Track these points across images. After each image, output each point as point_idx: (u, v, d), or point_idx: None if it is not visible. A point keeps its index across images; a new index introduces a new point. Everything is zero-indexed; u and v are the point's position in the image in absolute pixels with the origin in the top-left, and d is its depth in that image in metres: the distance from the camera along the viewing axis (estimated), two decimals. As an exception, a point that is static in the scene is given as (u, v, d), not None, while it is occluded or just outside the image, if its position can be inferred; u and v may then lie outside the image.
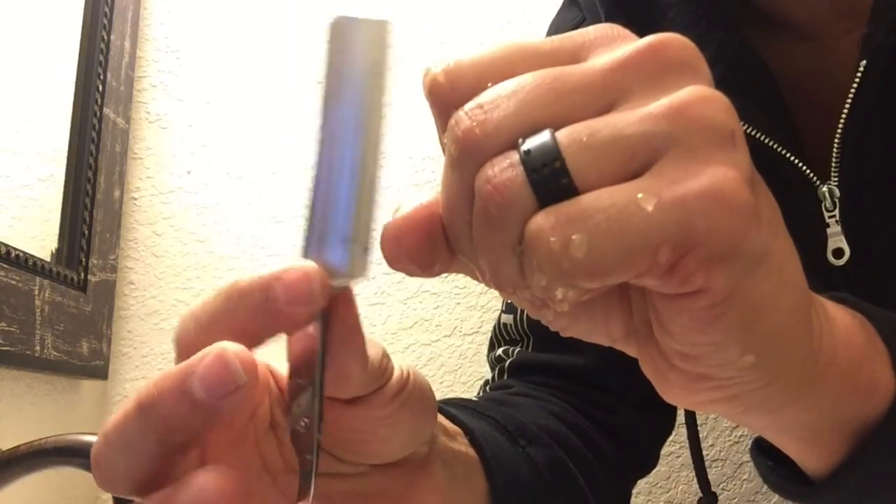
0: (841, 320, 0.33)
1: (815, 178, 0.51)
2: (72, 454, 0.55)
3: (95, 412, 1.00)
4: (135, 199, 1.06)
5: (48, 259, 0.87)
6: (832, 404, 0.32)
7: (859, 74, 0.48)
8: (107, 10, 0.97)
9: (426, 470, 0.38)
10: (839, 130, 0.49)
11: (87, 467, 0.55)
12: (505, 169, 0.24)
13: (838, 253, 0.50)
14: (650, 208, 0.23)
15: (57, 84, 0.93)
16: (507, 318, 0.64)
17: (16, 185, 0.85)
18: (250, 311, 0.28)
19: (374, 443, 0.34)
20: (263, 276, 0.29)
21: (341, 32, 0.28)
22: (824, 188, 0.50)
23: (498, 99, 0.25)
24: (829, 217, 0.50)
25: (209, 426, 0.27)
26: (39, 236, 0.88)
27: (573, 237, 0.23)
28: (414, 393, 0.34)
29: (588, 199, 0.23)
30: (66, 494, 0.92)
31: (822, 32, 0.52)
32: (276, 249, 1.04)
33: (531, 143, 0.24)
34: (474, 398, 0.59)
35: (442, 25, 1.08)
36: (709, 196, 0.23)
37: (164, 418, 0.27)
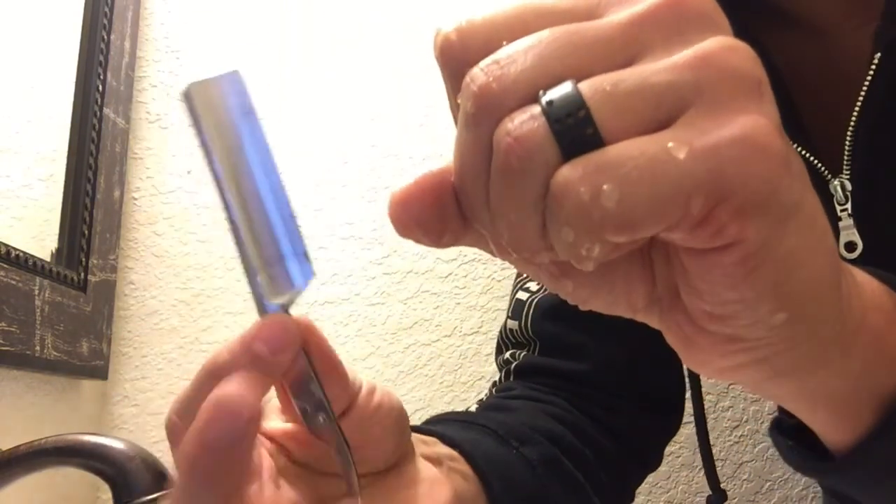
0: (868, 285, 0.32)
1: (826, 172, 0.50)
2: (72, 454, 0.55)
3: (95, 412, 1.00)
4: (135, 199, 1.06)
5: (48, 259, 0.87)
6: (860, 370, 0.31)
7: (873, 67, 0.47)
8: (107, 10, 0.97)
9: (405, 470, 0.40)
10: (852, 124, 0.49)
11: (87, 467, 0.55)
12: (526, 121, 0.23)
13: (850, 247, 0.50)
14: (682, 157, 0.22)
15: (57, 84, 0.93)
16: (513, 324, 0.64)
17: (16, 185, 0.85)
18: None
19: (361, 450, 0.36)
20: (241, 342, 0.31)
21: (199, 96, 0.30)
22: (836, 182, 0.50)
23: (515, 54, 0.24)
24: (842, 211, 0.50)
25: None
26: (39, 236, 0.88)
27: (604, 187, 0.22)
28: (384, 399, 0.37)
29: (617, 149, 0.23)
30: (66, 494, 0.92)
31: (831, 27, 0.52)
32: (276, 249, 1.04)
33: (553, 94, 0.23)
34: (476, 404, 0.59)
35: (441, 25, 1.08)
36: (741, 143, 0.23)
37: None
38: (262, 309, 0.32)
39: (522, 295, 0.65)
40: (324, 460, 0.37)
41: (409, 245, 1.03)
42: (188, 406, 0.32)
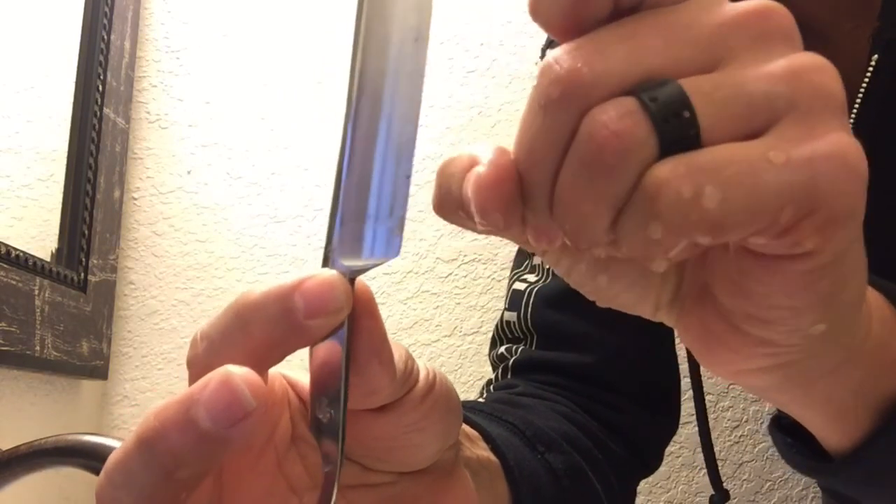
0: (871, 294, 0.33)
1: None
2: (72, 454, 0.55)
3: (95, 412, 1.00)
4: (135, 199, 1.06)
5: (48, 259, 0.87)
6: (863, 378, 0.32)
7: (871, 69, 0.48)
8: (107, 10, 0.97)
9: (454, 475, 0.36)
10: (850, 125, 0.49)
11: (87, 467, 0.55)
12: (624, 115, 0.23)
13: None
14: (780, 165, 0.23)
15: (57, 84, 0.93)
16: (511, 316, 0.63)
17: (16, 185, 0.85)
18: (267, 327, 0.26)
19: (403, 449, 0.32)
20: (280, 287, 0.26)
21: None
22: None
23: (607, 40, 0.24)
24: None
25: (220, 458, 0.26)
26: (39, 236, 0.88)
27: (706, 188, 0.22)
28: (441, 394, 0.32)
29: (719, 151, 0.23)
30: (66, 494, 0.92)
31: (828, 28, 0.52)
32: (276, 249, 1.04)
33: (657, 91, 0.23)
34: (479, 399, 0.59)
35: (441, 25, 1.08)
36: (836, 159, 0.23)
37: (169, 452, 0.25)
38: (326, 261, 0.27)
39: (520, 286, 0.64)
40: (354, 442, 0.31)
41: (409, 245, 1.03)
42: (211, 344, 0.28)
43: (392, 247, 0.27)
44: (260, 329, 0.27)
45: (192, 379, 0.28)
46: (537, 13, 0.25)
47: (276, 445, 0.32)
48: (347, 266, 0.27)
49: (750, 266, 0.25)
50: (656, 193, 0.23)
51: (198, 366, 0.27)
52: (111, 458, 0.26)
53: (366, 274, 0.28)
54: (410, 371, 0.31)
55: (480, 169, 0.25)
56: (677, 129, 0.23)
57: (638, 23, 0.24)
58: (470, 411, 0.48)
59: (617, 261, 0.29)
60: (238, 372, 0.25)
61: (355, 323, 0.28)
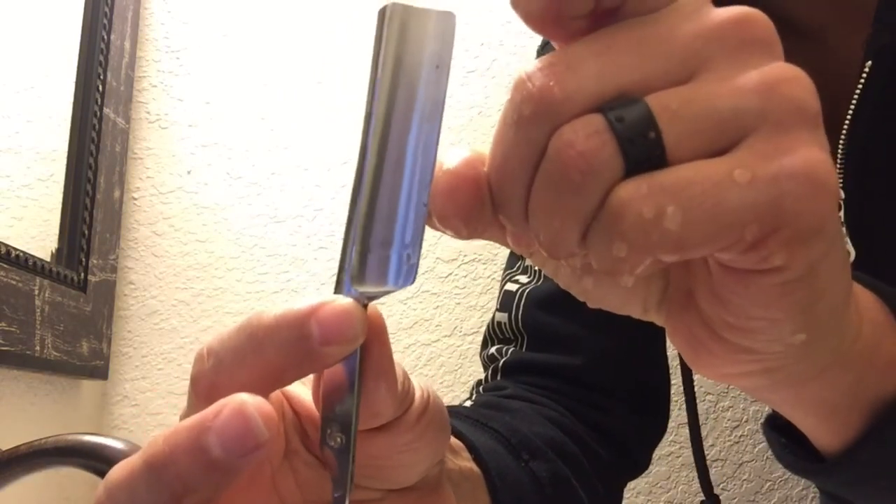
0: (862, 296, 0.33)
1: None
2: (72, 454, 0.55)
3: (95, 412, 1.00)
4: (135, 199, 1.06)
5: (48, 259, 0.87)
6: (853, 380, 0.32)
7: (864, 76, 0.47)
8: (107, 10, 0.97)
9: (439, 491, 0.36)
10: (844, 132, 0.49)
11: (87, 467, 0.54)
12: (591, 135, 0.23)
13: None
14: (745, 184, 0.23)
15: (57, 84, 0.93)
16: (502, 317, 0.63)
17: (16, 185, 0.85)
18: (280, 351, 0.26)
19: (394, 468, 0.32)
20: (295, 311, 0.26)
21: (403, 22, 0.25)
22: None
23: (579, 57, 0.24)
24: None
25: (227, 486, 0.25)
26: (39, 236, 0.88)
27: (668, 209, 0.22)
28: (435, 414, 0.32)
29: (683, 171, 0.23)
30: (66, 494, 0.92)
31: (823, 34, 0.52)
32: (276, 249, 1.04)
33: (623, 111, 0.23)
34: (468, 400, 0.59)
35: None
36: (803, 178, 0.23)
37: (177, 478, 0.24)
38: (339, 286, 0.27)
39: (512, 286, 0.64)
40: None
41: (409, 245, 1.03)
42: (220, 362, 0.27)
43: (410, 274, 0.27)
44: (273, 352, 0.26)
45: (197, 395, 0.27)
46: (517, 4, 0.25)
47: (271, 460, 0.32)
48: (362, 293, 0.27)
49: (725, 277, 0.26)
50: (620, 213, 0.23)
51: (204, 383, 0.27)
52: (114, 476, 0.26)
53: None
54: (407, 391, 0.31)
55: (439, 175, 0.26)
56: (643, 150, 0.23)
57: (613, 36, 0.24)
58: (456, 417, 0.48)
59: None
60: (252, 402, 0.25)
61: (366, 349, 0.28)
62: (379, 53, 0.25)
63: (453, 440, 0.43)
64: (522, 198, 0.25)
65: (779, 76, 0.24)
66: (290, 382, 0.28)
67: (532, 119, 0.24)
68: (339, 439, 0.28)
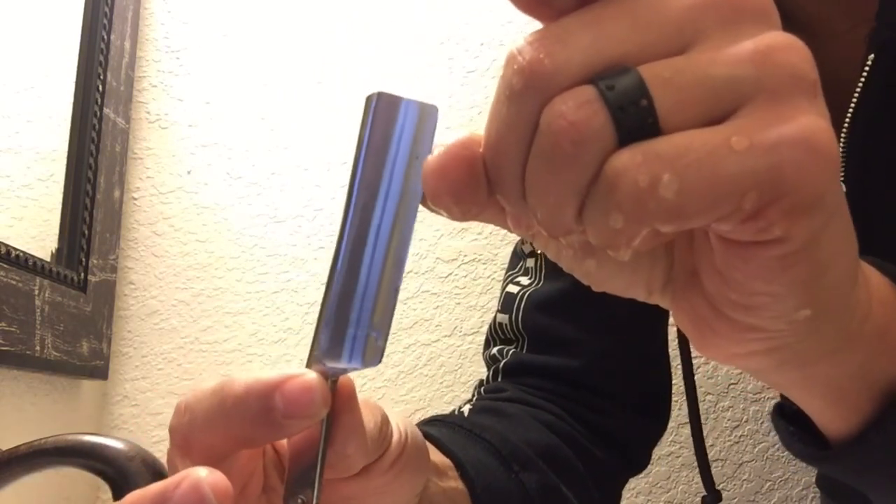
0: (874, 277, 0.32)
1: None
2: (72, 454, 0.55)
3: (95, 412, 1.00)
4: (135, 199, 1.06)
5: (48, 259, 0.87)
6: (862, 361, 0.32)
7: (867, 69, 0.47)
8: (107, 10, 0.97)
9: None
10: (845, 126, 0.49)
11: (87, 467, 0.54)
12: (582, 104, 0.23)
13: None
14: (742, 151, 0.22)
15: (57, 84, 0.93)
16: (503, 318, 0.64)
17: (16, 185, 0.85)
18: (245, 420, 0.28)
19: None
20: (262, 383, 0.28)
21: (387, 113, 0.27)
22: None
23: (569, 29, 0.23)
24: None
25: None
26: (39, 236, 0.88)
27: (664, 177, 0.22)
28: (412, 455, 0.33)
29: (678, 139, 0.22)
30: (66, 494, 0.92)
31: (824, 28, 0.52)
32: (276, 249, 1.04)
33: (614, 80, 0.23)
34: (468, 404, 0.59)
35: (442, 27, 1.08)
36: (802, 144, 0.22)
37: None
38: (309, 360, 0.29)
39: (513, 288, 0.64)
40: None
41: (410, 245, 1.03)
42: (193, 420, 0.30)
43: (373, 355, 0.28)
44: (239, 420, 0.29)
45: (174, 444, 0.30)
46: None
47: (248, 497, 0.33)
48: (330, 367, 0.29)
49: (726, 252, 0.25)
50: (614, 183, 0.23)
51: (179, 435, 0.30)
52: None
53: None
54: (385, 436, 0.32)
55: (431, 155, 0.26)
56: (635, 118, 0.23)
57: (605, 8, 0.24)
58: (450, 428, 0.49)
59: None
60: (208, 479, 0.26)
61: (335, 417, 0.30)
62: (363, 141, 0.27)
63: (440, 459, 0.44)
64: (518, 175, 0.25)
65: (774, 44, 0.23)
66: (258, 446, 0.30)
67: (523, 93, 0.24)
68: (300, 501, 0.29)
